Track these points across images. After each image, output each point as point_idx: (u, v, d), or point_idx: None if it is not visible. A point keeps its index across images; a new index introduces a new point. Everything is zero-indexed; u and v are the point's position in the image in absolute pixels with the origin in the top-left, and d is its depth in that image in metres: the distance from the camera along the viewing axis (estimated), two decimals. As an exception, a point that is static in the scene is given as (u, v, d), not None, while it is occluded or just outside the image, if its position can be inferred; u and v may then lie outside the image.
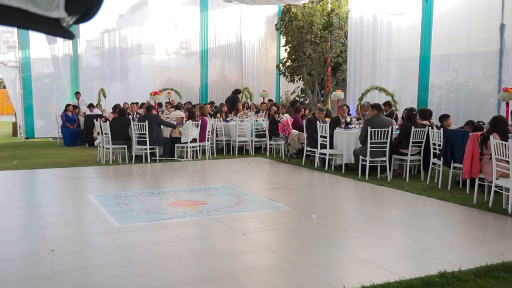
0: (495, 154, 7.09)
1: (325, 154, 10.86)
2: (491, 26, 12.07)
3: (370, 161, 9.75)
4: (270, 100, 17.87)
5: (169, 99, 17.42)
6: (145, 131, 11.78)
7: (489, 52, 12.16)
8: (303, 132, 11.90)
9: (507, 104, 9.69)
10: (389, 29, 15.27)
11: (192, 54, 20.70)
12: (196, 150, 12.68)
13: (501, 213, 7.01)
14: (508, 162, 6.87)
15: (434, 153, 9.31)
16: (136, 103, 16.02)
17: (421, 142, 9.84)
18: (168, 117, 14.41)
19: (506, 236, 6.32)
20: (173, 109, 15.45)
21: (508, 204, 7.01)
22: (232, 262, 5.16)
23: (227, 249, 5.65)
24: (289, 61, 19.08)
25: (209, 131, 12.78)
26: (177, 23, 20.81)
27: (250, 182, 9.69)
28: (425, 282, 4.42)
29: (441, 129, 9.29)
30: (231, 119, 14.29)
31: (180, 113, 13.77)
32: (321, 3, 17.66)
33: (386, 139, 9.71)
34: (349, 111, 12.52)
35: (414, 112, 10.38)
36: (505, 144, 6.90)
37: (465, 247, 5.82)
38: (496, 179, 7.18)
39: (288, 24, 18.26)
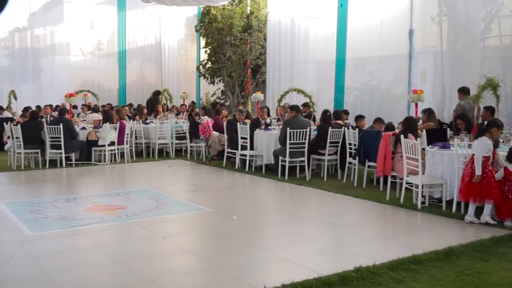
0: (406, 153, 7.46)
1: (245, 155, 10.94)
2: (401, 32, 12.67)
3: (289, 161, 9.93)
4: (193, 102, 17.75)
5: (85, 101, 16.87)
6: (60, 134, 11.31)
7: (400, 56, 12.76)
8: (223, 133, 11.92)
9: (416, 105, 10.21)
10: (306, 32, 15.62)
11: (109, 55, 20.19)
12: (115, 153, 12.34)
13: (411, 209, 7.37)
14: (417, 160, 7.24)
15: (350, 153, 9.65)
16: (50, 105, 15.37)
17: (338, 142, 10.17)
18: (85, 120, 13.97)
19: (416, 230, 6.67)
20: (90, 111, 14.97)
21: (417, 199, 7.38)
22: (152, 267, 5.07)
23: (146, 253, 5.55)
24: (209, 63, 19.06)
25: (127, 134, 12.49)
26: (93, 23, 20.24)
27: (170, 185, 9.58)
28: (342, 278, 4.56)
29: (356, 129, 9.65)
30: (150, 121, 14.05)
31: (97, 116, 13.35)
32: (240, 5, 17.79)
33: (305, 139, 9.94)
34: (268, 112, 12.69)
35: (328, 114, 10.75)
36: (414, 143, 7.27)
37: (379, 242, 6.07)
38: (407, 176, 7.55)
39: (208, 25, 18.23)
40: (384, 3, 13.04)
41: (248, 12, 17.88)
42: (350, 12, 13.70)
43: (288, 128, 9.83)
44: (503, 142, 7.69)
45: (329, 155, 10.14)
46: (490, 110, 9.29)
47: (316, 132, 10.51)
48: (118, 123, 12.24)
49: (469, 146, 7.17)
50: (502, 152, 6.75)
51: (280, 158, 10.08)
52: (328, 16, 14.35)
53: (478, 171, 6.28)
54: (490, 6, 11.09)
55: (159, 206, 7.73)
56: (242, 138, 11.02)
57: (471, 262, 5.03)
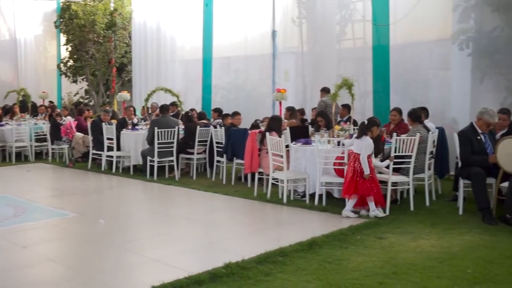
0: (271, 150, 7.74)
1: (112, 157, 10.62)
2: (264, 32, 13.09)
3: (158, 161, 9.82)
4: (50, 102, 16.77)
5: None
6: None
7: (264, 56, 13.17)
8: (88, 134, 11.46)
9: (280, 103, 10.63)
10: (172, 31, 15.52)
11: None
12: (-35, 159, 11.29)
13: (278, 203, 7.67)
14: (282, 156, 7.55)
15: (218, 151, 9.79)
16: None
17: (206, 141, 10.26)
18: None
19: (282, 224, 6.97)
20: None
21: (283, 194, 7.69)
22: (10, 279, 4.72)
23: (3, 265, 5.15)
24: (71, 61, 18.15)
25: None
26: None
27: (30, 191, 8.98)
28: (212, 275, 4.63)
29: (223, 127, 9.80)
30: (6, 123, 13.04)
31: None
32: (103, 2, 17.17)
33: (173, 139, 9.89)
34: (135, 112, 12.43)
35: (190, 114, 10.87)
36: (278, 140, 7.58)
37: (248, 237, 6.25)
38: (273, 172, 7.85)
39: (69, 22, 17.33)
40: (247, 3, 13.36)
41: (112, 9, 17.32)
42: (215, 12, 13.87)
43: (156, 128, 9.72)
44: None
45: (198, 154, 10.20)
46: (347, 107, 9.98)
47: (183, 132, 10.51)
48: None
49: (329, 142, 7.65)
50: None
51: (149, 158, 9.94)
52: (194, 15, 14.38)
53: (366, 170, 6.58)
54: (344, 10, 11.86)
55: (18, 213, 7.22)
56: (108, 138, 10.69)
57: (332, 250, 5.37)
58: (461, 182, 6.93)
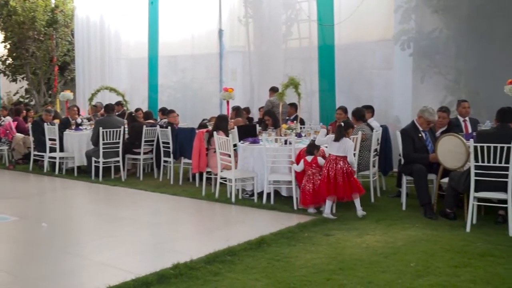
0: (219, 149, 7.72)
1: (55, 158, 10.32)
2: (211, 31, 13.05)
3: (103, 162, 9.61)
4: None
5: None
6: None
7: (211, 55, 13.12)
8: (29, 135, 11.09)
9: (228, 102, 10.62)
10: (117, 29, 15.22)
11: None
12: None
13: (226, 203, 7.66)
14: (229, 155, 7.55)
15: (165, 151, 9.67)
16: None
17: (153, 141, 10.13)
18: None
19: (230, 223, 6.98)
20: None
21: (231, 193, 7.69)
22: None
23: None
24: (10, 59, 17.49)
25: None
26: None
27: (-33, 194, 8.61)
28: (160, 276, 4.56)
29: (169, 127, 9.66)
30: None
31: None
32: (43, -2, 16.65)
33: (119, 139, 9.71)
34: (79, 111, 12.13)
35: (133, 114, 10.73)
36: (226, 140, 7.57)
37: (196, 237, 6.22)
38: (221, 171, 7.83)
39: (7, 18, 16.68)
40: (193, 1, 13.27)
41: (53, 5, 16.81)
42: (161, 10, 13.71)
43: (100, 128, 9.50)
44: (305, 136, 8.42)
45: (144, 154, 10.06)
46: (294, 106, 10.09)
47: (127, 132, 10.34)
48: None
49: (276, 140, 7.69)
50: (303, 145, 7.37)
51: (93, 159, 9.71)
52: (139, 13, 14.16)
53: (355, 168, 6.87)
54: (290, 10, 11.99)
55: (-47, 219, 6.90)
56: (50, 139, 10.38)
57: (280, 248, 5.41)
58: (404, 179, 7.15)
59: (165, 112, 11.08)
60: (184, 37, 13.72)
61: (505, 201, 5.83)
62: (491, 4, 9.14)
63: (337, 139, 6.68)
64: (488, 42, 9.12)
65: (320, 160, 6.83)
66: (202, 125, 9.59)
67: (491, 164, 5.78)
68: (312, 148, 6.92)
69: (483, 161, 5.84)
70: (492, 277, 4.49)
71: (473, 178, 5.91)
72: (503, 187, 5.79)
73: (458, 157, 6.32)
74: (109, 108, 10.29)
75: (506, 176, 5.72)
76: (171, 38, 13.82)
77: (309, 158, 6.88)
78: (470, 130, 7.80)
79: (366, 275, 4.59)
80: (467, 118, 8.01)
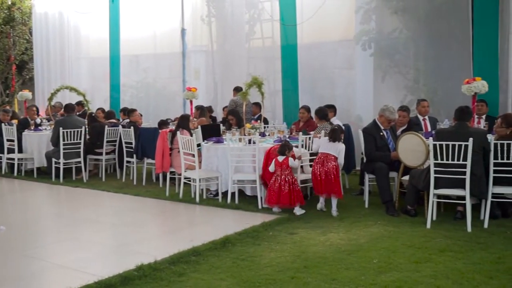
0: (183, 149, 7.67)
1: (13, 159, 10.07)
2: (173, 30, 12.94)
3: (64, 163, 9.42)
4: None
5: None
6: None
7: (173, 54, 13.01)
8: (-15, 136, 10.76)
9: (191, 102, 10.55)
10: (77, 27, 14.92)
11: None
12: None
13: (190, 203, 7.62)
14: (193, 155, 7.51)
15: (128, 151, 9.55)
16: None
17: (115, 141, 9.99)
18: None
19: (195, 223, 6.95)
20: None
21: (195, 193, 7.65)
22: None
23: None
24: (-35, 58, 16.94)
25: None
26: None
27: None
28: (123, 278, 4.51)
29: (132, 127, 9.54)
30: None
31: None
32: (-1, -5, 16.18)
33: (80, 139, 9.53)
34: (38, 111, 11.85)
35: (94, 114, 10.56)
36: (190, 139, 7.52)
37: (160, 238, 6.16)
38: (185, 171, 7.78)
39: (-39, 16, 16.17)
40: (155, 0, 13.14)
41: (10, 3, 16.34)
42: (122, 8, 13.51)
43: (60, 128, 9.30)
44: (268, 135, 8.45)
45: (106, 154, 9.91)
46: (258, 105, 10.11)
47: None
48: None
49: (240, 140, 7.68)
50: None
51: (54, 160, 9.51)
52: (100, 12, 13.93)
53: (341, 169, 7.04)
54: (252, 10, 12.00)
55: None
56: (8, 140, 10.12)
57: (245, 247, 5.41)
58: (367, 177, 7.27)
59: (126, 112, 10.94)
60: (146, 36, 13.58)
61: (463, 198, 5.99)
62: (448, 6, 9.36)
63: (334, 140, 6.87)
64: (446, 43, 9.35)
65: (291, 161, 6.87)
66: (163, 123, 9.51)
67: (450, 162, 5.93)
68: (285, 149, 6.93)
69: (442, 159, 5.99)
70: (451, 272, 4.61)
71: (432, 175, 6.05)
72: (461, 184, 5.94)
73: (418, 155, 6.45)
74: (69, 108, 10.09)
75: (464, 173, 5.88)
76: (133, 37, 13.63)
77: (280, 158, 6.88)
78: (429, 129, 7.98)
79: (330, 273, 4.64)
80: (426, 117, 8.19)
